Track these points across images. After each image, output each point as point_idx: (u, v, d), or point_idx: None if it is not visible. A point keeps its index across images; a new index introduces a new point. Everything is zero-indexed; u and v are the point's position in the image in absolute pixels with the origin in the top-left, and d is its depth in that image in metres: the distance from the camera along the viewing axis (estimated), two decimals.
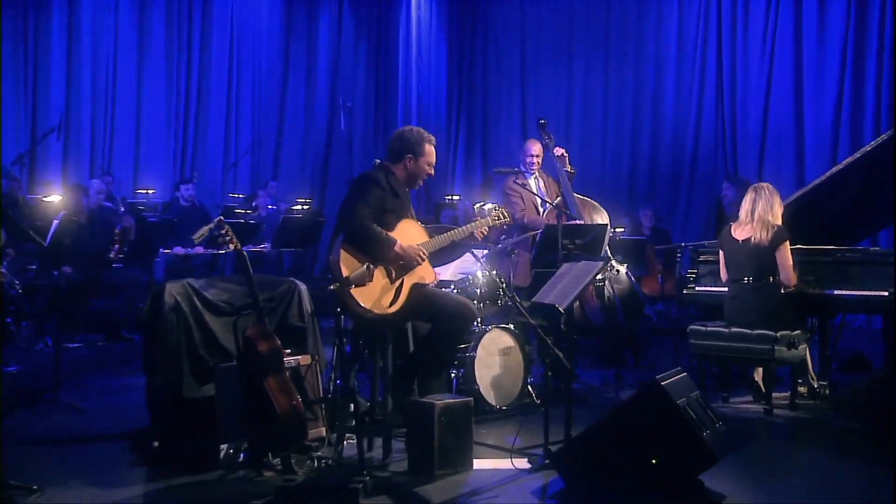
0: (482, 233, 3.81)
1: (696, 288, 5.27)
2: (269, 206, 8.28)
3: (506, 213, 3.98)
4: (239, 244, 3.42)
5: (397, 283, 3.52)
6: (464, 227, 3.79)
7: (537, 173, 5.40)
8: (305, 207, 8.37)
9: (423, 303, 3.52)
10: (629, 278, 5.33)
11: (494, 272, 4.23)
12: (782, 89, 8.26)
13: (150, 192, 8.05)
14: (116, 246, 6.11)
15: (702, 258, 5.27)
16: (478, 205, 5.65)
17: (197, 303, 3.66)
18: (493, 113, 9.55)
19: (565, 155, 5.31)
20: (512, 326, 4.52)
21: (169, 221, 7.03)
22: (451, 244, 3.74)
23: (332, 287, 3.23)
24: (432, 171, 3.73)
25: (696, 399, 3.23)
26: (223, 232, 3.38)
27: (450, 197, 8.92)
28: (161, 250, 6.82)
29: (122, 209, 7.42)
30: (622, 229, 6.89)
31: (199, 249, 6.78)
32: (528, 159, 5.46)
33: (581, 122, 8.97)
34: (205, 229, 3.38)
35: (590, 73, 9.11)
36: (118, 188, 8.10)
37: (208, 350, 3.61)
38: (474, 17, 9.62)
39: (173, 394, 3.54)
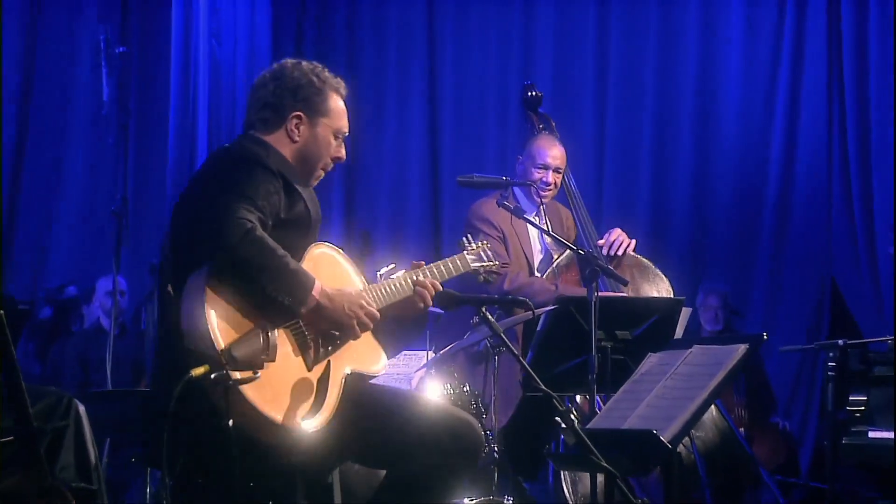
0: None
1: (871, 433, 4.91)
2: None
3: (488, 253, 3.62)
4: None
5: (318, 371, 3.09)
6: (440, 264, 3.50)
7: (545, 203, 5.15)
8: None
9: (370, 414, 3.18)
10: (723, 416, 5.02)
11: (465, 386, 4.45)
12: None
13: None
14: None
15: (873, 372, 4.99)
16: (382, 270, 4.68)
17: None
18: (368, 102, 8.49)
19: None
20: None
21: None
22: (406, 303, 3.35)
23: (194, 373, 2.79)
24: (342, 154, 3.38)
25: None
26: None
27: None
28: None
29: None
30: None
31: None
32: (538, 172, 5.07)
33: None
34: None
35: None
36: None
37: None
38: None
39: None
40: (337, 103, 3.39)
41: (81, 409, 3.71)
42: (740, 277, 8.05)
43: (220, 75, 9.03)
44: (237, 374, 2.90)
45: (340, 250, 3.40)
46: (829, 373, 4.92)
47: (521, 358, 3.44)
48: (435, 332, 5.08)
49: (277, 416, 2.95)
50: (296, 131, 3.32)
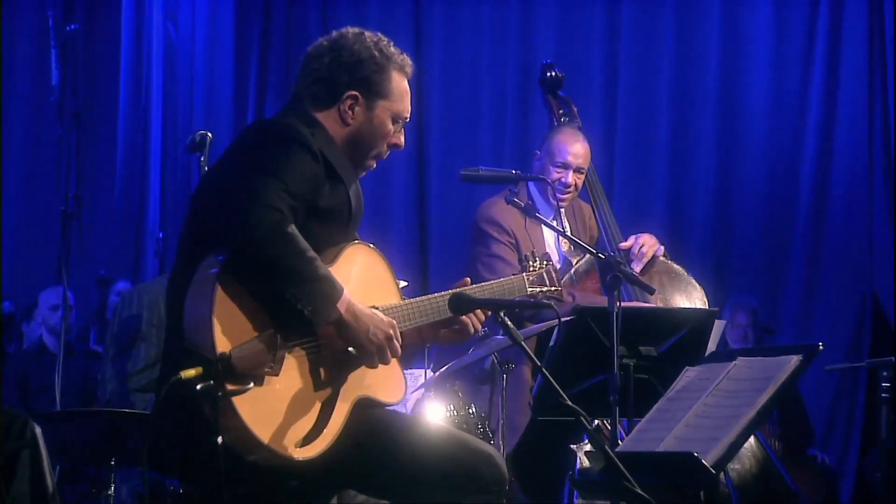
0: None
1: None
2: None
3: (552, 276, 3.61)
4: None
5: (324, 393, 3.09)
6: (500, 281, 3.52)
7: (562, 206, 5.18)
8: None
9: (377, 442, 3.16)
10: (761, 445, 5.16)
11: (470, 408, 4.56)
12: None
13: None
14: None
15: None
16: None
17: None
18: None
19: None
20: None
21: None
22: (443, 326, 3.36)
23: (183, 375, 2.79)
24: (401, 142, 3.37)
25: None
26: None
27: None
28: None
29: None
30: None
31: None
32: (557, 172, 5.03)
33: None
34: None
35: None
36: None
37: None
38: None
39: None
40: (400, 83, 3.36)
41: (38, 430, 3.69)
42: (770, 291, 8.12)
43: (176, 61, 9.00)
44: (231, 385, 2.88)
45: (381, 254, 3.40)
46: (883, 395, 4.92)
47: (545, 371, 3.40)
48: (433, 347, 5.07)
49: (265, 437, 2.94)
50: (349, 113, 3.29)
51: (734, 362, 3.56)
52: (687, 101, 8.44)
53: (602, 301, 4.78)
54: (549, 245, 5.14)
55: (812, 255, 8.12)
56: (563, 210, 5.17)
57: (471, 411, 4.55)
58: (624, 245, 5.09)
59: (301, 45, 9.31)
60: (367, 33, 3.39)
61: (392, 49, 3.37)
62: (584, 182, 5.17)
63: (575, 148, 5.02)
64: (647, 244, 5.07)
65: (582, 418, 3.10)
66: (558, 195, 5.03)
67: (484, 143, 8.13)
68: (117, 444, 4.40)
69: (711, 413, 3.42)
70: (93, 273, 7.78)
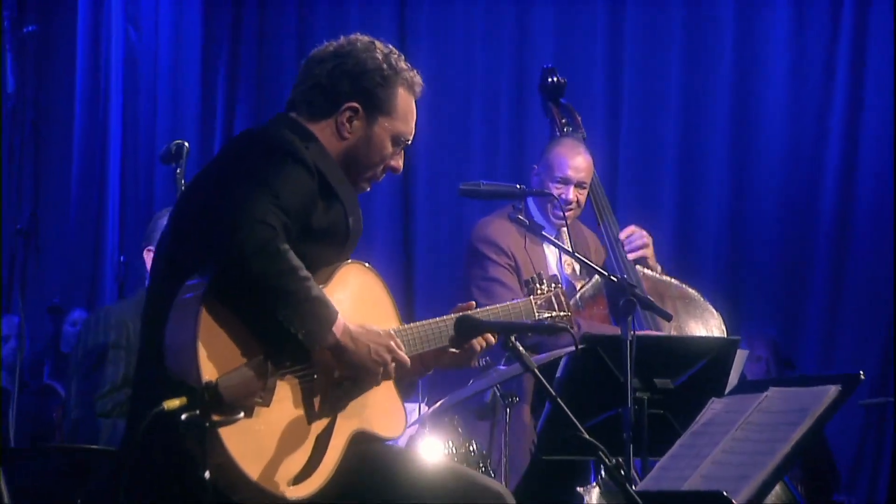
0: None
1: None
2: None
3: (561, 300, 3.63)
4: None
5: (319, 425, 3.11)
6: (507, 305, 3.56)
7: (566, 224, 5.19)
8: None
9: (377, 480, 3.20)
10: (788, 488, 5.00)
11: (471, 445, 4.55)
12: None
13: None
14: None
15: None
16: None
17: None
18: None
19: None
20: None
21: None
22: (446, 352, 3.37)
23: (166, 405, 2.80)
24: (399, 165, 3.41)
25: None
26: None
27: None
28: None
29: None
30: None
31: None
32: (557, 188, 5.05)
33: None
34: None
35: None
36: None
37: None
38: None
39: None
40: (406, 102, 3.38)
41: None
42: (788, 319, 8.13)
43: (138, 68, 8.99)
44: (218, 417, 2.89)
45: (378, 274, 3.43)
46: None
47: (559, 401, 3.41)
48: (428, 379, 5.02)
49: (254, 474, 2.94)
50: (346, 126, 3.30)
51: (765, 393, 3.56)
52: (697, 109, 8.41)
53: (610, 329, 4.82)
54: (551, 267, 5.12)
55: (835, 278, 8.09)
56: (567, 232, 5.16)
57: (471, 448, 4.56)
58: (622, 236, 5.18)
59: (275, 51, 9.45)
60: (378, 43, 3.40)
61: (403, 64, 3.38)
62: (587, 197, 5.17)
63: (576, 161, 5.04)
64: (635, 236, 5.17)
65: (601, 454, 3.08)
66: (559, 212, 5.03)
67: (476, 156, 8.14)
68: (82, 484, 4.35)
69: (741, 449, 3.42)
70: (46, 300, 7.72)
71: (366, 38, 3.40)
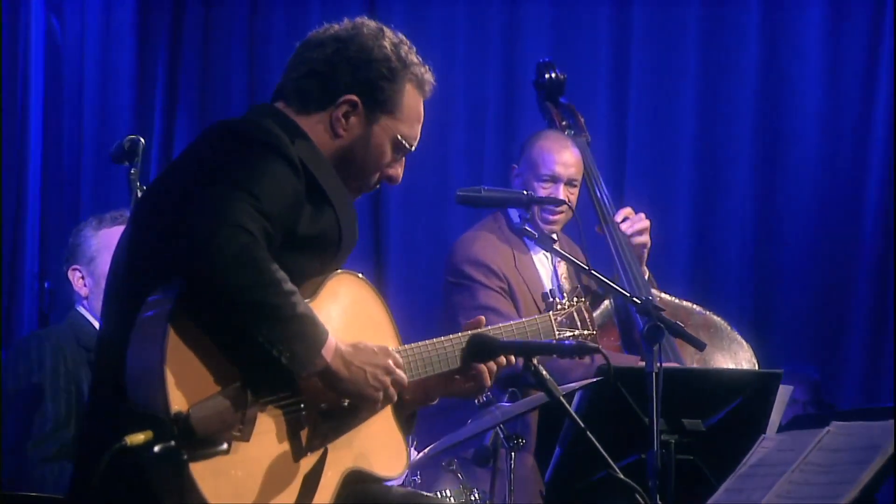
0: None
1: None
2: None
3: (584, 316, 3.78)
4: None
5: (307, 463, 3.15)
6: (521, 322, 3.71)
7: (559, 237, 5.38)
8: None
9: None
10: None
11: (472, 494, 4.67)
12: None
13: None
14: None
15: None
16: None
17: None
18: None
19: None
20: None
21: None
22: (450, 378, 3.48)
23: (129, 441, 2.84)
24: (398, 175, 3.45)
25: None
26: None
27: None
28: None
29: None
30: None
31: None
32: (543, 188, 5.24)
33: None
34: None
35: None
36: None
37: None
38: None
39: None
40: (414, 102, 3.36)
41: None
42: (824, 355, 8.08)
43: (61, 64, 9.01)
44: (189, 454, 2.86)
45: (372, 286, 3.42)
46: None
47: (588, 433, 3.49)
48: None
49: None
50: (342, 122, 3.28)
51: (827, 429, 3.61)
52: (717, 117, 8.46)
53: (624, 359, 4.74)
54: (544, 284, 5.24)
55: (877, 308, 7.98)
56: (562, 240, 5.19)
57: (473, 498, 4.55)
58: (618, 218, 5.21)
59: (221, 46, 9.24)
60: (388, 31, 3.38)
61: (414, 57, 3.37)
62: (578, 197, 5.16)
63: (563, 156, 5.13)
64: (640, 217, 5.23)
65: (638, 496, 3.06)
66: (548, 216, 5.01)
67: (457, 162, 8.17)
68: None
69: (800, 493, 3.50)
70: None
71: (373, 24, 3.38)
